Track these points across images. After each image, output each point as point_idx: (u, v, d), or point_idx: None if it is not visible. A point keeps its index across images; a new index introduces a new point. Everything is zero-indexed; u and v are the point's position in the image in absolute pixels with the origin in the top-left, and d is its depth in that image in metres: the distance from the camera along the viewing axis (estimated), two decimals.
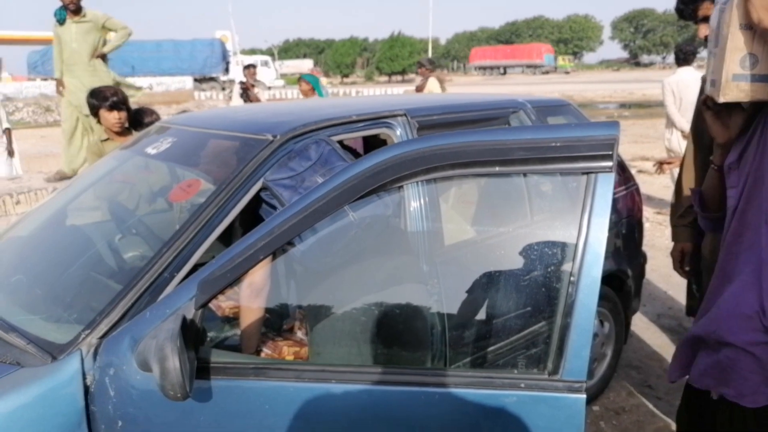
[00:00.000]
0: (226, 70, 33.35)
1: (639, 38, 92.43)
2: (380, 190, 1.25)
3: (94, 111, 3.05)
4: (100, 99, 3.01)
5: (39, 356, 1.34)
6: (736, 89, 1.31)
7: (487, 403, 1.14)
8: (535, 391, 1.13)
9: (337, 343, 1.50)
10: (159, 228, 1.93)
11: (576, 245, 1.14)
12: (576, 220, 1.15)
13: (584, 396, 1.11)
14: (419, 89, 6.70)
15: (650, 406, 2.71)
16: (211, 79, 32.93)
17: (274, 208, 1.72)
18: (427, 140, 1.25)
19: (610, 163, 1.14)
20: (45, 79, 29.12)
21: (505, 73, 65.28)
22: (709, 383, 1.49)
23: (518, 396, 1.13)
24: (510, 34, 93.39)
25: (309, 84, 6.24)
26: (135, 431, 1.28)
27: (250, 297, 1.62)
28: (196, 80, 30.72)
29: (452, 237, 1.33)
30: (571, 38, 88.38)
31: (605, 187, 1.14)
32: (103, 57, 6.17)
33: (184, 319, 1.20)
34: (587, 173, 1.16)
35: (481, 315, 1.29)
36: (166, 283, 1.45)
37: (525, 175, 1.19)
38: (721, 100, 1.35)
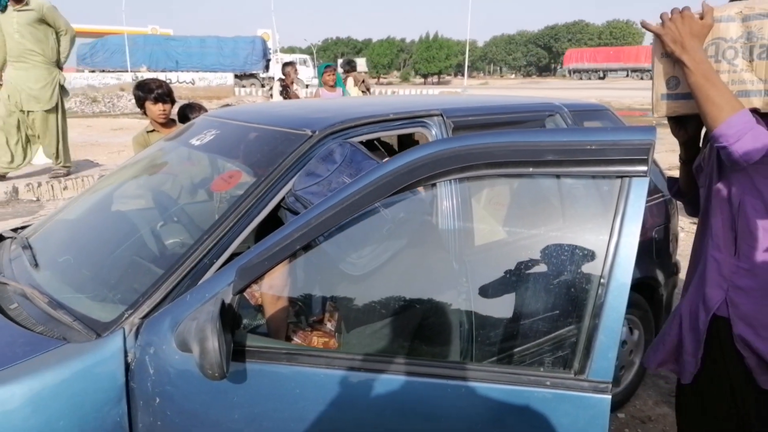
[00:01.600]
0: (266, 68, 33.84)
1: None
2: (415, 186, 1.28)
3: (140, 102, 3.16)
4: (146, 91, 3.12)
5: (84, 333, 1.41)
6: (664, 106, 1.54)
7: (512, 399, 1.16)
8: (560, 390, 1.14)
9: (366, 335, 1.54)
10: (199, 217, 2.00)
11: (607, 248, 1.15)
12: (608, 224, 1.15)
13: (609, 396, 1.12)
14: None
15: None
16: (252, 75, 33.47)
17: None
18: (462, 139, 1.27)
19: (645, 168, 1.15)
20: (93, 71, 30.07)
21: (604, 77, 58.94)
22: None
23: (544, 393, 1.15)
24: (549, 38, 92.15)
25: (334, 75, 6.36)
26: (171, 408, 1.35)
27: (272, 288, 1.67)
28: (236, 77, 31.28)
29: (483, 237, 1.35)
30: (611, 43, 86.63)
31: (639, 192, 1.15)
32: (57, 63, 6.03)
33: (223, 303, 1.26)
34: (621, 177, 1.17)
35: (510, 313, 1.31)
36: (205, 269, 1.51)
37: (558, 177, 1.20)
38: (655, 115, 1.57)
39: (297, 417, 1.31)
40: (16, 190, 5.34)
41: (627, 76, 57.55)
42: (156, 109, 3.14)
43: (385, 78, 67.37)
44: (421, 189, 1.31)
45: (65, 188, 5.17)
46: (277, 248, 1.32)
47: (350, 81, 7.29)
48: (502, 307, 1.31)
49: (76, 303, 1.54)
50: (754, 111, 1.39)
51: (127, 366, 1.37)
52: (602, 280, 1.14)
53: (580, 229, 1.24)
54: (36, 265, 1.75)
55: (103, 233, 1.98)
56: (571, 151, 1.19)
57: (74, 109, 21.54)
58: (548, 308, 1.26)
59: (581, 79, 58.98)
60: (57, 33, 6.07)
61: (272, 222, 1.71)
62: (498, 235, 1.32)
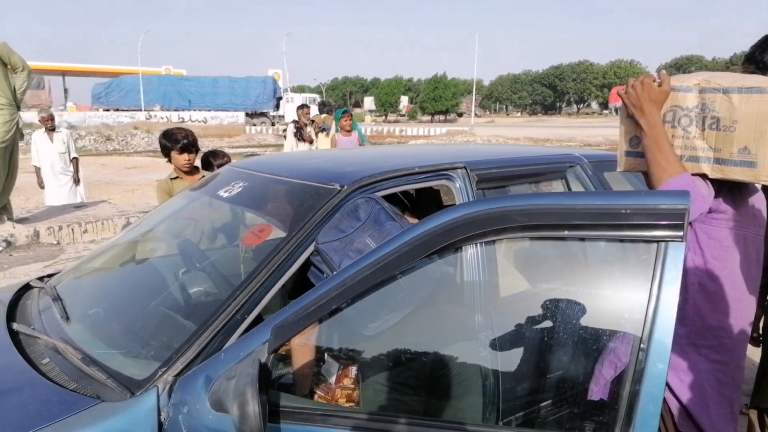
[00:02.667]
0: (277, 106, 34.49)
1: None
2: (450, 248, 1.29)
3: (166, 152, 3.23)
4: (172, 141, 3.19)
5: (118, 391, 1.41)
6: (627, 162, 1.66)
7: None
8: None
9: (394, 393, 1.53)
10: (228, 269, 2.02)
11: (646, 313, 1.15)
12: (646, 288, 1.16)
13: None
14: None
15: None
16: (262, 114, 34.13)
17: (322, 272, 1.76)
18: (497, 201, 1.30)
19: (681, 233, 1.16)
20: (107, 110, 30.71)
21: None
22: None
23: None
24: (554, 78, 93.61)
25: (350, 120, 6.48)
26: None
27: (305, 341, 1.67)
28: (247, 115, 31.88)
29: (516, 297, 1.36)
30: (615, 83, 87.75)
31: (676, 256, 1.15)
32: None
33: (259, 362, 1.26)
34: (658, 242, 1.17)
35: (549, 378, 1.30)
36: (237, 325, 1.52)
37: (593, 240, 1.22)
38: (618, 170, 1.70)
39: None
40: (37, 234, 5.43)
41: None
42: (181, 158, 3.20)
43: (392, 115, 68.31)
44: (456, 249, 1.32)
45: (85, 231, 5.25)
46: (313, 307, 1.33)
47: (334, 123, 7.45)
48: (540, 371, 1.31)
49: (109, 359, 1.55)
50: (703, 176, 1.51)
51: (160, 425, 1.37)
52: (642, 345, 1.14)
53: (618, 293, 1.24)
54: (67, 318, 1.77)
55: (133, 285, 2.00)
56: (605, 215, 1.20)
57: (88, 147, 21.95)
58: (588, 373, 1.25)
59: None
60: (13, 70, 5.90)
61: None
62: (534, 296, 1.33)
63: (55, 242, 5.33)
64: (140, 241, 2.22)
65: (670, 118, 1.55)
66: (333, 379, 2.07)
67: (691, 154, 1.53)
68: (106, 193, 9.62)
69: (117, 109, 31.32)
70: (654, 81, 1.53)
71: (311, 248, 1.69)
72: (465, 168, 2.06)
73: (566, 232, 1.22)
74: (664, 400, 1.49)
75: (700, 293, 1.51)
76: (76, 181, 7.13)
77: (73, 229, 5.21)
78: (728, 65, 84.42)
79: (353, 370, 2.01)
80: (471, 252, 1.31)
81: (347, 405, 1.83)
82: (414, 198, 2.83)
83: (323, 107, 7.76)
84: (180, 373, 1.43)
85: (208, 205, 2.23)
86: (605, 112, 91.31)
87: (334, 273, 1.51)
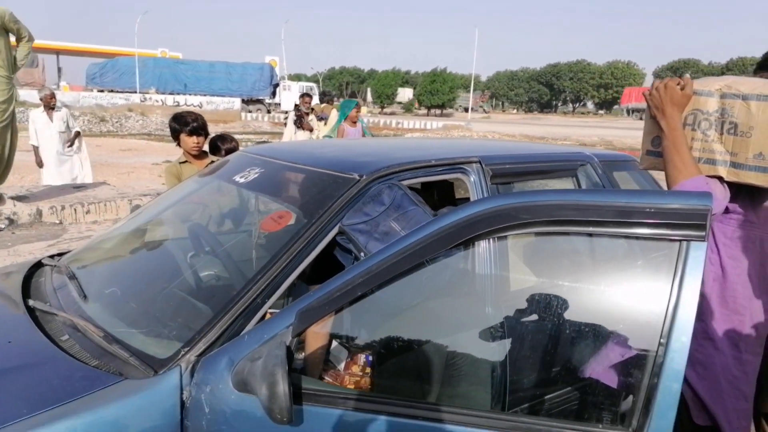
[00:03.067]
0: (273, 94, 34.25)
1: None
2: (476, 240, 1.32)
3: (175, 135, 3.23)
4: (182, 124, 3.19)
5: (142, 369, 1.43)
6: (648, 161, 1.74)
7: None
8: None
9: (408, 381, 1.56)
10: (243, 253, 2.04)
11: (666, 309, 1.18)
12: (667, 285, 1.19)
13: None
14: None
15: None
16: (258, 101, 33.88)
17: (349, 252, 1.81)
18: (524, 195, 1.32)
19: (703, 233, 1.19)
20: (101, 91, 30.41)
21: None
22: None
23: None
24: (551, 76, 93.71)
25: (359, 112, 6.51)
26: None
27: (321, 327, 1.70)
28: (243, 101, 31.66)
29: (539, 292, 1.39)
30: (612, 84, 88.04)
31: (698, 255, 1.19)
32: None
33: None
34: (680, 240, 1.21)
35: (570, 369, 1.34)
36: (258, 309, 1.54)
37: (617, 237, 1.25)
38: (640, 167, 1.77)
39: None
40: (39, 213, 5.41)
41: None
42: (190, 141, 3.21)
43: (388, 108, 68.16)
44: (480, 241, 1.35)
45: (88, 212, 5.23)
46: (338, 293, 1.36)
47: (333, 112, 7.46)
48: (562, 362, 1.34)
49: (130, 338, 1.56)
50: (720, 179, 1.56)
51: (182, 403, 1.39)
52: (662, 340, 1.17)
53: (639, 289, 1.27)
54: (84, 296, 1.78)
55: (150, 267, 2.02)
56: (630, 212, 1.23)
57: (82, 127, 21.75)
58: (610, 366, 1.29)
59: (641, 119, 54.20)
60: (19, 39, 5.70)
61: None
62: (557, 289, 1.36)
63: (57, 221, 5.31)
64: (154, 223, 2.23)
65: (690, 121, 1.60)
66: (342, 366, 2.10)
67: (708, 157, 1.58)
68: (102, 174, 9.56)
69: (111, 91, 30.99)
70: (678, 84, 1.56)
71: (330, 236, 1.71)
72: (480, 162, 2.09)
73: (591, 228, 1.25)
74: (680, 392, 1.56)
75: (715, 290, 1.55)
76: (78, 152, 7.04)
77: (75, 209, 5.19)
78: (723, 71, 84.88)
79: (362, 358, 2.04)
80: (496, 245, 1.34)
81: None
82: (421, 192, 2.86)
83: (324, 96, 7.78)
84: (202, 353, 1.45)
85: (224, 189, 2.24)
86: (600, 112, 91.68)
87: (361, 254, 1.53)
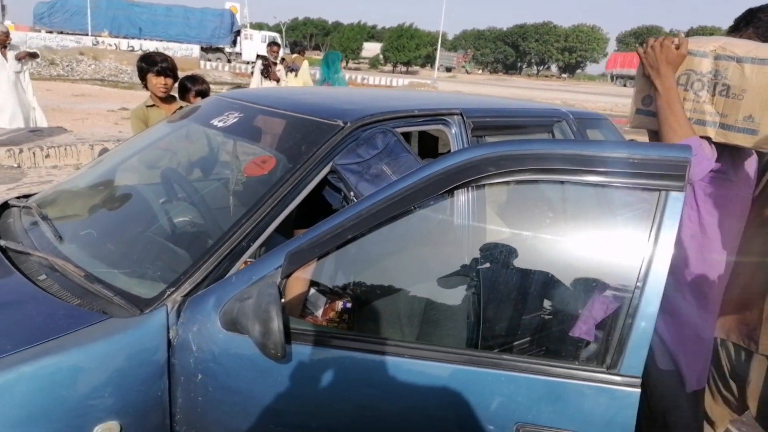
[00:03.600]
0: (234, 42, 33.06)
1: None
2: (464, 186, 1.35)
3: (142, 74, 3.12)
4: (150, 63, 3.08)
5: (127, 308, 1.43)
6: (638, 120, 1.75)
7: (550, 389, 1.26)
8: (594, 383, 1.25)
9: (384, 325, 1.60)
10: (218, 199, 2.02)
11: (643, 255, 1.25)
12: (646, 233, 1.26)
13: (639, 390, 1.22)
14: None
15: None
16: (218, 49, 32.66)
17: (338, 191, 1.83)
18: (513, 144, 1.35)
19: (682, 183, 1.25)
20: (50, 32, 28.70)
21: None
22: None
23: (579, 386, 1.25)
24: (517, 37, 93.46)
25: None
26: (214, 384, 1.39)
27: (302, 271, 1.72)
28: (202, 49, 30.48)
29: (524, 237, 1.44)
30: (576, 47, 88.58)
31: (676, 205, 1.25)
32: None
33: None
34: (660, 190, 1.27)
35: (550, 310, 1.40)
36: (243, 251, 1.54)
37: (602, 186, 1.30)
38: (629, 126, 1.79)
39: (336, 397, 1.38)
40: None
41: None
42: (158, 82, 3.10)
43: (354, 62, 66.87)
44: (468, 188, 1.38)
45: (47, 156, 5.01)
46: (328, 236, 1.37)
47: (305, 63, 7.34)
48: (543, 305, 1.41)
49: (112, 278, 1.55)
50: (708, 139, 1.61)
51: (169, 342, 1.40)
52: (638, 284, 1.24)
53: (619, 235, 1.33)
54: (60, 237, 1.74)
55: (127, 210, 1.97)
56: (616, 162, 1.28)
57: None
58: (584, 306, 1.36)
59: (625, 86, 48.86)
60: None
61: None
62: (540, 234, 1.41)
63: (15, 165, 5.08)
64: (128, 167, 2.17)
65: (683, 81, 1.62)
66: (320, 312, 2.13)
67: (698, 118, 1.62)
68: (55, 120, 9.12)
69: (61, 32, 29.27)
70: (672, 43, 1.58)
71: (315, 182, 1.71)
72: (461, 115, 2.10)
73: (576, 177, 1.30)
74: None
75: (692, 246, 1.64)
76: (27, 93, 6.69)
77: (34, 153, 4.97)
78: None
79: (339, 304, 2.08)
80: (483, 192, 1.37)
81: None
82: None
83: (295, 47, 7.55)
84: (188, 294, 1.45)
85: (200, 134, 2.20)
86: (564, 75, 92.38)
87: (351, 193, 1.55)
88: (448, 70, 67.56)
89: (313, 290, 2.08)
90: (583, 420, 1.25)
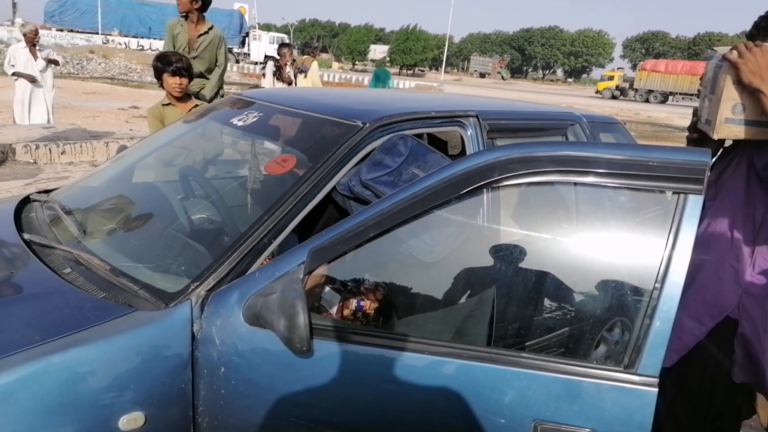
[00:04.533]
0: (242, 43, 33.20)
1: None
2: (486, 186, 1.37)
3: (158, 74, 3.15)
4: (165, 63, 3.12)
5: (152, 302, 1.46)
6: (727, 129, 1.68)
7: (568, 387, 1.28)
8: (612, 382, 1.26)
9: (420, 320, 1.62)
10: (239, 196, 2.05)
11: (662, 257, 1.27)
12: (665, 234, 1.28)
13: (656, 390, 1.24)
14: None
15: None
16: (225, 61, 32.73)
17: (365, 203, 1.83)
18: (533, 146, 1.38)
19: (701, 186, 1.27)
20: (60, 30, 28.89)
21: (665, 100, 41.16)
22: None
23: (596, 384, 1.27)
24: (523, 41, 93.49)
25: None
26: (237, 377, 1.41)
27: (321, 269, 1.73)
28: None
29: (543, 238, 1.46)
30: (582, 52, 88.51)
31: (695, 208, 1.27)
32: None
33: None
34: (679, 193, 1.29)
35: (567, 309, 1.42)
36: (265, 248, 1.57)
37: (622, 188, 1.32)
38: (715, 137, 1.71)
39: (356, 392, 1.40)
40: (13, 151, 5.21)
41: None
42: (173, 82, 3.14)
43: (361, 64, 67.00)
44: (490, 189, 1.40)
45: (63, 152, 5.07)
46: (351, 234, 1.40)
47: (314, 64, 7.36)
48: (561, 304, 1.43)
49: (136, 272, 1.58)
50: None
51: (193, 336, 1.43)
52: (656, 285, 1.26)
53: (638, 237, 1.35)
54: (84, 231, 1.77)
55: (151, 206, 2.01)
56: (635, 165, 1.30)
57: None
58: (604, 307, 1.38)
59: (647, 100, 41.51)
60: None
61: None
62: (560, 235, 1.44)
63: (32, 161, 5.14)
64: (149, 164, 2.21)
65: None
66: (334, 311, 2.16)
67: None
68: (66, 117, 9.21)
69: (71, 30, 29.47)
70: None
71: (334, 182, 1.74)
72: (477, 117, 2.13)
73: (598, 179, 1.32)
74: (731, 353, 1.72)
75: None
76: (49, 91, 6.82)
77: (50, 149, 5.03)
78: (690, 44, 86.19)
79: (354, 303, 2.11)
80: (504, 193, 1.40)
81: None
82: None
83: (306, 48, 7.57)
84: (212, 289, 1.48)
85: (220, 132, 2.23)
86: (570, 80, 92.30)
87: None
88: (482, 76, 65.80)
89: (327, 288, 2.10)
90: (600, 418, 1.27)
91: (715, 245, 1.79)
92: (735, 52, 1.61)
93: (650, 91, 41.71)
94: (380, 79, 6.30)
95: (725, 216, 1.79)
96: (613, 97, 43.36)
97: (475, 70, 69.11)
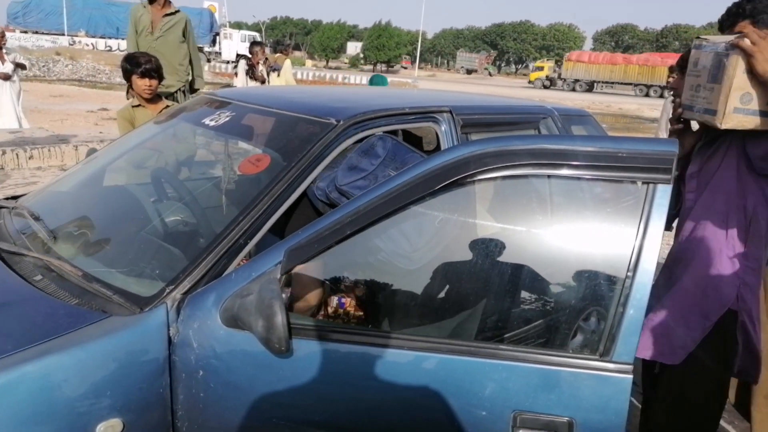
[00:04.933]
0: (213, 42, 32.75)
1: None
2: (461, 181, 1.38)
3: (127, 75, 3.10)
4: (134, 65, 3.06)
5: (127, 306, 1.43)
6: (735, 119, 1.65)
7: (545, 377, 1.30)
8: (588, 370, 1.29)
9: (395, 316, 1.63)
10: (213, 197, 2.02)
11: (633, 246, 1.29)
12: (635, 225, 1.30)
13: (631, 377, 1.27)
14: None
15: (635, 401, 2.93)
16: (197, 49, 32.29)
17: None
18: (506, 140, 1.39)
19: (669, 176, 1.30)
20: (25, 32, 28.18)
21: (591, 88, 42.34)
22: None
23: (574, 374, 1.29)
24: (496, 36, 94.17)
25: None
26: (215, 380, 1.40)
27: (310, 270, 1.73)
28: None
29: (517, 230, 1.47)
30: (554, 46, 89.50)
31: (663, 197, 1.30)
32: None
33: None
34: (648, 183, 1.31)
35: (541, 301, 1.44)
36: (240, 249, 1.56)
37: (593, 179, 1.34)
38: (723, 127, 1.67)
39: (336, 390, 1.40)
40: None
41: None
42: (142, 83, 3.08)
43: (333, 62, 66.72)
44: (462, 184, 1.41)
45: (30, 158, 4.94)
46: (327, 232, 1.39)
47: (287, 63, 7.34)
48: (537, 296, 1.45)
49: (109, 277, 1.55)
50: None
51: (170, 340, 1.41)
52: (628, 274, 1.29)
53: (609, 228, 1.38)
54: (54, 237, 1.74)
55: (122, 210, 1.97)
56: (605, 156, 1.32)
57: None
58: (577, 297, 1.40)
59: (646, 94, 40.27)
60: None
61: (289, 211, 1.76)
62: (534, 227, 1.45)
63: None
64: (118, 167, 2.17)
65: None
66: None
67: None
68: (34, 121, 8.96)
69: (36, 32, 28.76)
70: None
71: (308, 181, 1.73)
72: (450, 112, 2.14)
73: (568, 171, 1.34)
74: (735, 344, 1.75)
75: None
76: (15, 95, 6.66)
77: (17, 154, 4.90)
78: (658, 37, 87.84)
79: (335, 300, 2.10)
80: (478, 187, 1.41)
81: None
82: None
83: (278, 46, 7.50)
84: (187, 292, 1.46)
85: (191, 133, 2.20)
86: None
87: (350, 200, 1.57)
88: (469, 72, 65.25)
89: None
90: (578, 406, 1.29)
91: (711, 238, 1.79)
92: (747, 40, 1.56)
93: (576, 80, 43.60)
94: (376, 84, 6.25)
95: (718, 208, 1.79)
96: (544, 87, 44.80)
97: (462, 67, 68.45)
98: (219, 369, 1.40)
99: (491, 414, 1.32)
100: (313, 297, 1.67)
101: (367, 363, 1.37)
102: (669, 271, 1.93)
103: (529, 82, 48.39)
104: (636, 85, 40.90)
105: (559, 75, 45.53)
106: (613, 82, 41.47)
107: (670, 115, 2.00)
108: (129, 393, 1.35)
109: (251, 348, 1.36)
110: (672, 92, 2.18)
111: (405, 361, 1.36)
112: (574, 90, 41.66)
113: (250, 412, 1.41)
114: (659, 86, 37.82)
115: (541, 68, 48.41)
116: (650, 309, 1.88)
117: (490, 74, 66.15)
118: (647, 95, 39.18)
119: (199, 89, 4.39)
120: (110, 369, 1.33)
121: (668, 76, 4.80)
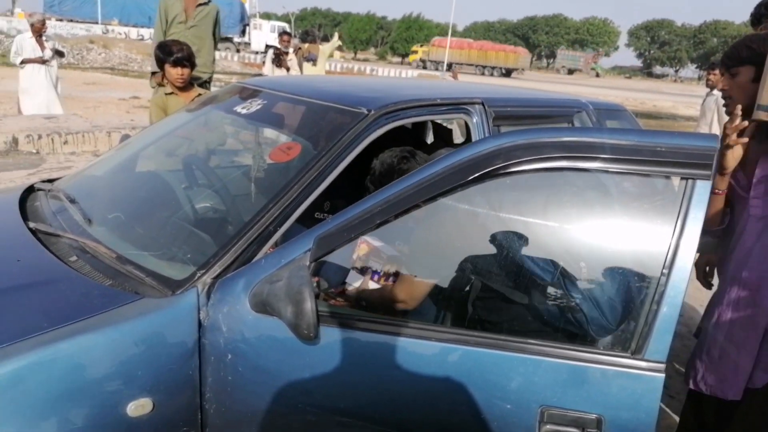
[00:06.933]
0: (243, 32, 33.00)
1: (654, 49, 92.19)
2: (493, 173, 1.36)
3: (160, 64, 3.14)
4: (166, 53, 3.09)
5: (159, 289, 1.46)
6: (765, 116, 1.58)
7: (577, 373, 1.28)
8: (619, 368, 1.27)
9: (429, 307, 1.62)
10: (244, 184, 2.04)
11: (670, 242, 1.26)
12: (672, 221, 1.27)
13: (664, 375, 1.24)
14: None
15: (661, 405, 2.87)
16: (227, 39, 32.58)
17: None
18: (542, 132, 1.37)
19: (709, 172, 1.26)
20: (60, 20, 28.78)
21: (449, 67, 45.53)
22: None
23: (603, 370, 1.27)
24: (528, 29, 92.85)
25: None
26: (244, 364, 1.42)
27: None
28: None
29: (552, 224, 1.45)
30: (587, 40, 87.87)
31: (703, 193, 1.26)
32: None
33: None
34: (687, 179, 1.28)
35: (576, 296, 1.42)
36: (270, 236, 1.57)
37: (630, 174, 1.31)
38: (762, 118, 1.60)
39: (362, 378, 1.40)
40: (15, 141, 5.21)
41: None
42: (174, 72, 3.12)
43: (362, 54, 66.67)
44: (497, 176, 1.39)
45: (65, 143, 5.07)
46: (357, 221, 1.39)
47: (323, 48, 7.38)
48: (570, 291, 1.42)
49: (142, 260, 1.58)
50: None
51: (200, 323, 1.43)
52: (664, 271, 1.26)
53: (646, 223, 1.35)
54: (89, 220, 1.77)
55: (156, 195, 2.00)
56: (642, 150, 1.29)
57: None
58: (612, 293, 1.38)
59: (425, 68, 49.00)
60: None
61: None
62: (568, 225, 1.43)
63: (34, 151, 5.14)
64: (153, 153, 2.20)
65: None
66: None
67: None
68: (67, 108, 9.15)
69: (71, 20, 29.38)
70: None
71: (339, 170, 1.73)
72: (482, 104, 2.11)
73: (607, 165, 1.31)
74: None
75: None
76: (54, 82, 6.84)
77: (53, 139, 5.03)
78: (696, 33, 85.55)
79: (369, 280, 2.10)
80: (512, 180, 1.39)
81: None
82: (418, 137, 2.87)
83: (307, 36, 7.50)
84: (218, 276, 1.48)
85: (224, 121, 2.22)
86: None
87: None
88: (570, 72, 61.91)
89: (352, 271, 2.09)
90: (607, 404, 1.27)
91: (741, 257, 1.78)
92: None
93: (438, 62, 50.43)
94: None
95: (753, 224, 1.77)
96: (418, 67, 50.89)
97: (563, 66, 65.51)
98: (247, 353, 1.42)
99: (518, 408, 1.31)
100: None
101: (392, 353, 1.37)
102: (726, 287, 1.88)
103: (409, 63, 55.26)
104: (476, 65, 51.10)
105: (429, 57, 52.58)
106: (461, 63, 48.98)
107: (715, 115, 1.91)
108: (159, 374, 1.37)
109: (279, 334, 1.37)
110: (720, 93, 1.99)
111: (430, 351, 1.36)
112: (437, 69, 45.81)
113: (276, 396, 1.42)
114: (491, 67, 50.34)
115: (415, 52, 55.81)
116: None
117: (597, 74, 61.36)
118: (483, 74, 49.41)
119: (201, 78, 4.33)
120: (141, 349, 1.36)
121: (708, 74, 4.58)
